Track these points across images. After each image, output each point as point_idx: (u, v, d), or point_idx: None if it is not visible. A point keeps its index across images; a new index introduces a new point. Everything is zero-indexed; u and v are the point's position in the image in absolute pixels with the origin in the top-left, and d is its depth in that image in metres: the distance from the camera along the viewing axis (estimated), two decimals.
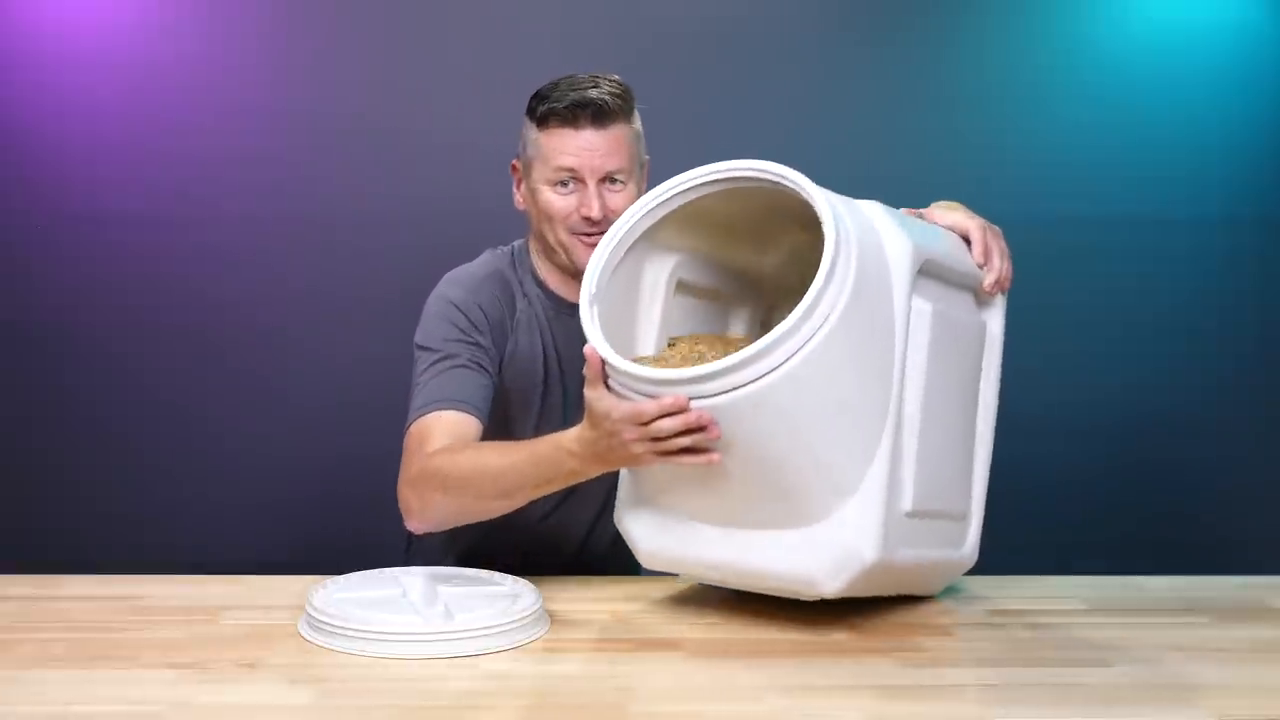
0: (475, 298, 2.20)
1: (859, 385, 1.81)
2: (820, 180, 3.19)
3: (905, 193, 3.02)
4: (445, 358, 2.14)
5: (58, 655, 1.81)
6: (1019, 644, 1.92)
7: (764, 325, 2.16)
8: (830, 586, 1.85)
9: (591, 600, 2.05)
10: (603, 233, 2.11)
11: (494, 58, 3.01)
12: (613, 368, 1.81)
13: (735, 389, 1.74)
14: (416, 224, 3.02)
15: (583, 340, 1.95)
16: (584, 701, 1.71)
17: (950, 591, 2.11)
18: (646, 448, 1.81)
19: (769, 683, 1.75)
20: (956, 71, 3.10)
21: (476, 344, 2.17)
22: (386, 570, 2.07)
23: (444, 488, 2.02)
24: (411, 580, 1.99)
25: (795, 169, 1.91)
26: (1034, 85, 3.10)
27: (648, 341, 2.02)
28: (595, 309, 1.87)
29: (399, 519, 2.31)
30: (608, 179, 2.15)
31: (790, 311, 1.91)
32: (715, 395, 1.75)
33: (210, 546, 2.96)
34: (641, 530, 1.97)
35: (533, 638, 1.88)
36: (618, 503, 2.01)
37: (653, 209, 1.95)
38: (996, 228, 2.10)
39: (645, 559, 1.98)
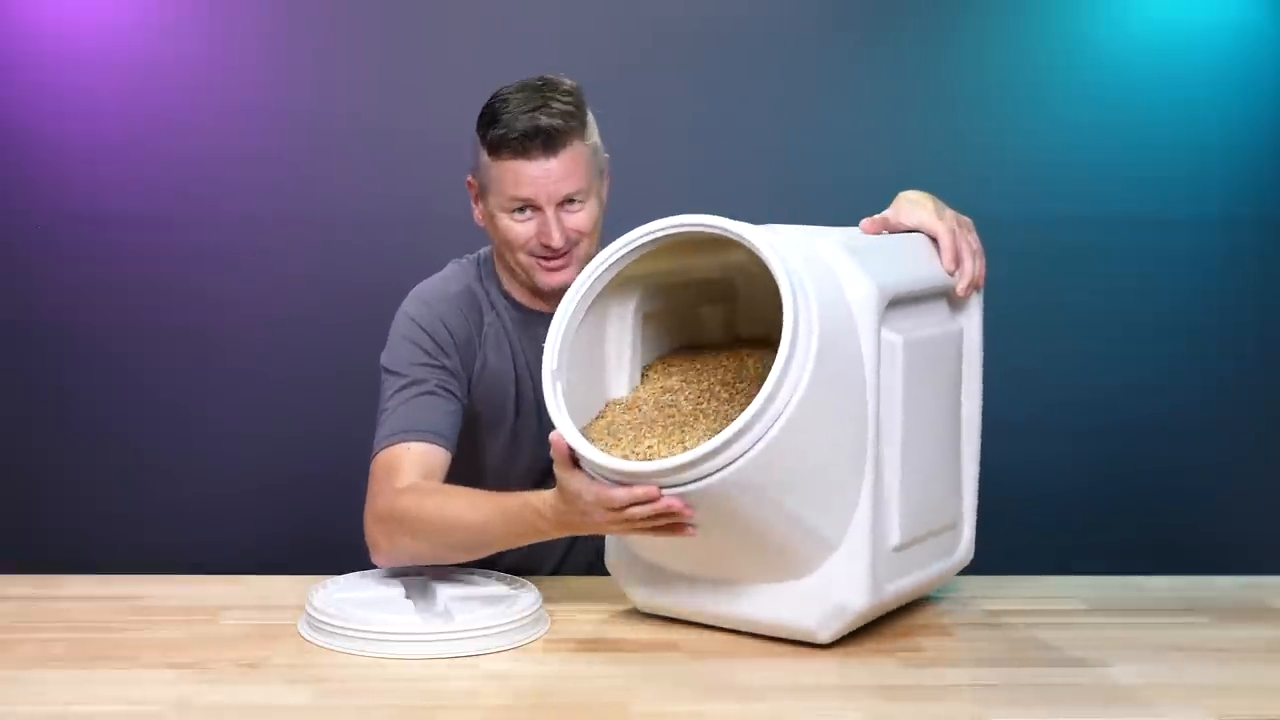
0: (442, 317, 2.17)
1: (834, 445, 1.80)
2: (820, 180, 3.20)
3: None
4: (412, 383, 2.12)
5: (58, 655, 1.81)
6: (1019, 644, 1.92)
7: (737, 318, 2.15)
8: (825, 636, 1.85)
9: (591, 600, 2.05)
10: (564, 254, 2.12)
11: (493, 58, 3.00)
12: (580, 456, 1.80)
13: (707, 476, 1.72)
14: (416, 224, 3.02)
15: None
16: (584, 701, 1.71)
17: (950, 591, 2.11)
18: (620, 527, 1.80)
19: (769, 683, 1.75)
20: (956, 71, 3.10)
21: (443, 367, 2.14)
22: (386, 570, 2.07)
23: (413, 533, 2.00)
24: (411, 580, 1.99)
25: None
26: (1034, 85, 3.10)
27: (620, 377, 1.99)
28: (559, 385, 1.84)
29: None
30: (566, 201, 2.12)
31: (765, 307, 1.88)
32: (686, 484, 1.73)
33: (210, 546, 2.97)
34: (633, 579, 1.96)
35: (532, 638, 1.88)
36: (607, 551, 2.00)
37: (602, 273, 1.89)
38: (966, 219, 2.05)
39: (638, 605, 1.98)
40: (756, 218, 1.92)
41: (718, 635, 1.91)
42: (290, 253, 3.04)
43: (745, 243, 1.79)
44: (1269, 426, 3.16)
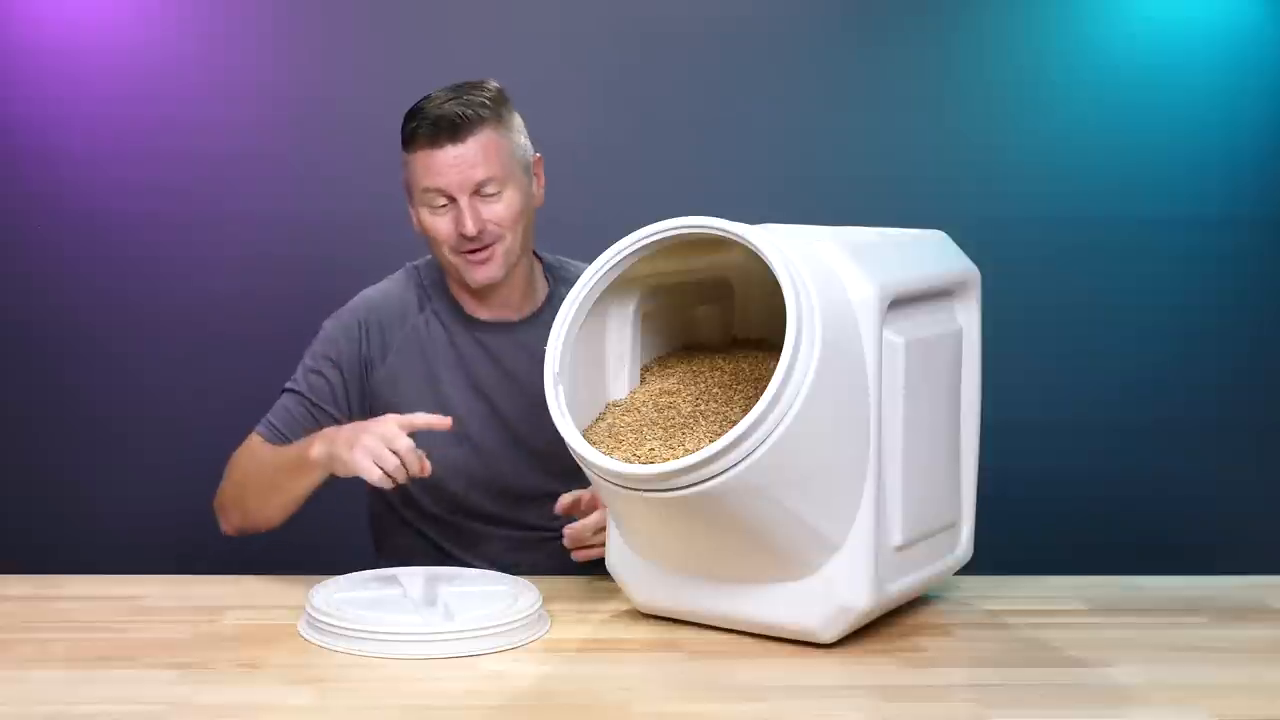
0: (345, 334, 2.26)
1: (836, 446, 1.80)
2: (820, 180, 3.20)
3: (905, 193, 3.05)
4: (295, 392, 2.25)
5: (58, 655, 1.81)
6: (1019, 644, 1.92)
7: (732, 318, 2.15)
8: (828, 636, 1.86)
9: (592, 600, 2.05)
10: (487, 246, 2.13)
11: (494, 58, 3.00)
12: (581, 458, 1.80)
13: (710, 479, 1.72)
14: None
15: (505, 358, 2.17)
16: (585, 702, 1.71)
17: (950, 591, 2.11)
18: (375, 443, 1.98)
19: (769, 683, 1.75)
20: (956, 71, 3.10)
21: (329, 383, 2.23)
22: (386, 570, 2.07)
23: (226, 474, 2.23)
24: (411, 580, 1.99)
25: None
26: (1033, 85, 3.10)
27: (620, 378, 2.00)
28: (560, 389, 1.85)
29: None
30: (479, 191, 2.13)
31: (761, 306, 1.87)
32: (689, 487, 1.73)
33: (210, 546, 2.96)
34: (634, 579, 1.96)
35: (533, 638, 1.88)
36: (608, 552, 2.00)
37: (604, 275, 1.90)
38: None
39: (640, 606, 1.98)
40: (756, 218, 1.92)
41: (718, 635, 1.91)
42: (291, 253, 3.04)
43: (748, 244, 1.79)
44: (1268, 426, 3.16)
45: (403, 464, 1.97)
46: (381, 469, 1.97)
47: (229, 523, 2.25)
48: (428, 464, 2.00)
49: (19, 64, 2.99)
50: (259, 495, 2.19)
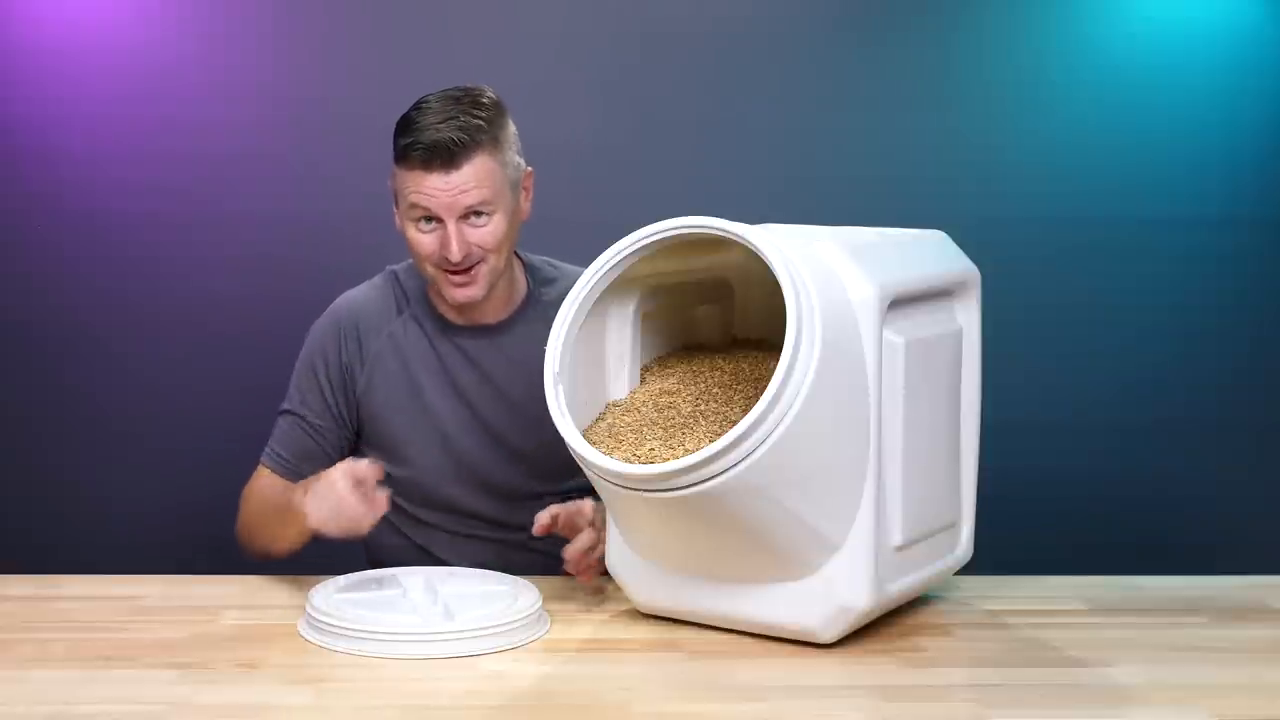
0: (326, 345, 2.26)
1: (836, 447, 1.80)
2: (820, 180, 3.20)
3: (905, 193, 3.05)
4: (289, 413, 2.25)
5: (58, 655, 1.81)
6: (1019, 644, 1.92)
7: (732, 317, 2.16)
8: (828, 636, 1.86)
9: (591, 600, 2.05)
10: (470, 268, 2.13)
11: (494, 58, 3.00)
12: (581, 458, 1.80)
13: (710, 479, 1.72)
14: None
15: (484, 361, 2.16)
16: (585, 702, 1.71)
17: (950, 591, 2.11)
18: (345, 489, 1.97)
19: (769, 683, 1.75)
20: (956, 71, 3.10)
21: (321, 394, 2.24)
22: (386, 570, 2.07)
23: (241, 506, 2.25)
24: (411, 580, 1.99)
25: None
26: (1033, 85, 3.10)
27: (620, 378, 2.00)
28: (560, 389, 1.85)
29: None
30: (469, 214, 2.11)
31: (760, 306, 1.86)
32: (689, 487, 1.73)
33: (209, 546, 2.96)
34: (634, 579, 1.96)
35: (533, 638, 1.88)
36: (608, 552, 2.00)
37: (604, 275, 1.90)
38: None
39: (640, 606, 1.98)
40: (756, 218, 1.93)
41: (718, 635, 1.91)
42: (290, 253, 3.04)
43: (749, 245, 1.79)
44: (1268, 426, 3.16)
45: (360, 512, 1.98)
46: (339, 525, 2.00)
47: (251, 551, 2.25)
48: (381, 500, 1.99)
49: (19, 64, 2.99)
50: (267, 537, 2.19)
